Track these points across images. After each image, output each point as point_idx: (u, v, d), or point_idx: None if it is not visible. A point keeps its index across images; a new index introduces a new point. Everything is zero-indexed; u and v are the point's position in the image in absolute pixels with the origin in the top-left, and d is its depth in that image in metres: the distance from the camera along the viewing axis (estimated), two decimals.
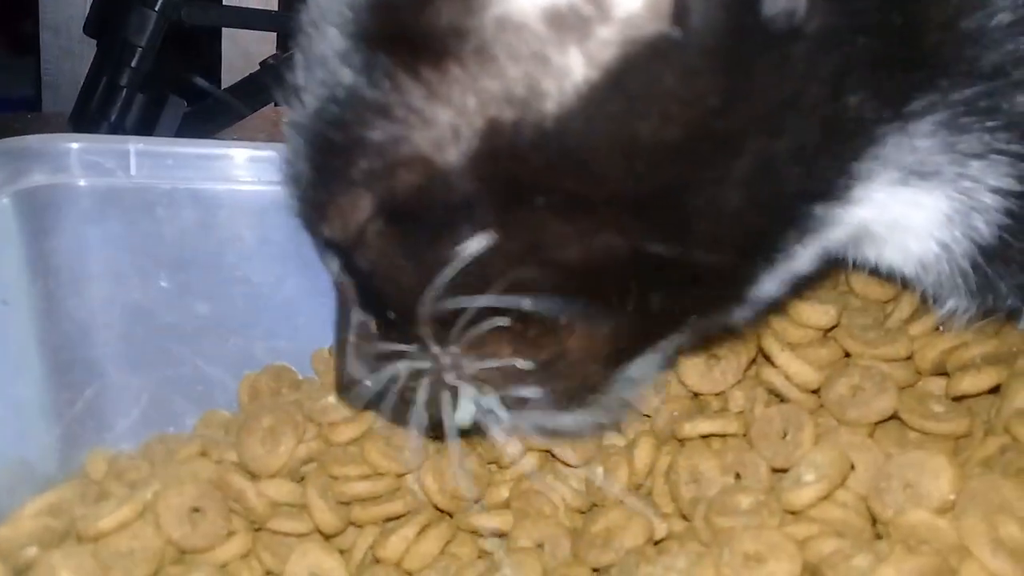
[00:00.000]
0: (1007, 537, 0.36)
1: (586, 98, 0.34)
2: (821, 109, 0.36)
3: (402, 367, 0.40)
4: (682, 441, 0.46)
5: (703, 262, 0.37)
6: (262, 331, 0.57)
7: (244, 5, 1.24)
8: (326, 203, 0.39)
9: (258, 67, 1.14)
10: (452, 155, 0.35)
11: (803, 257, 0.40)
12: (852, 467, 0.42)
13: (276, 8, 1.28)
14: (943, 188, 0.39)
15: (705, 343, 0.46)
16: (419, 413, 0.41)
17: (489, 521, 0.46)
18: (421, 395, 0.40)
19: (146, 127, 1.03)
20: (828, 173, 0.37)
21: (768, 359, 0.47)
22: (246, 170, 0.54)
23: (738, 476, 0.44)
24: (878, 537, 0.40)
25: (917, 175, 0.39)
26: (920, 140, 0.38)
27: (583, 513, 0.46)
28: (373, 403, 0.43)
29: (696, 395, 0.48)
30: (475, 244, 0.35)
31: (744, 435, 0.46)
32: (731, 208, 0.36)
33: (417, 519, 0.45)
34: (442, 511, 0.46)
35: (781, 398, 0.47)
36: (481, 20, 0.34)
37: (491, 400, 0.40)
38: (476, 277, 0.36)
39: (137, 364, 0.56)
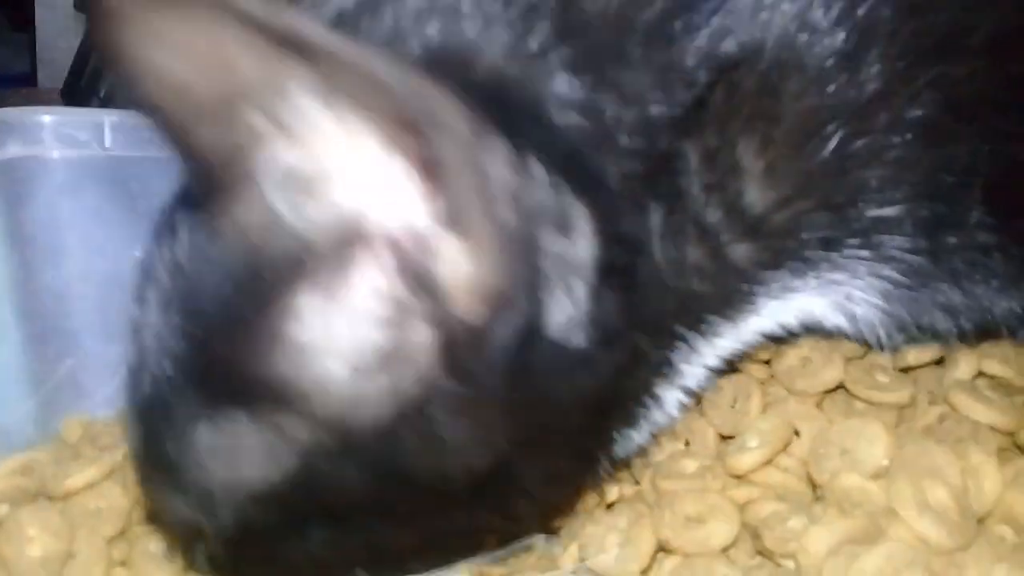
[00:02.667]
0: (934, 501, 0.37)
1: (395, 430, 0.34)
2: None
3: None
4: None
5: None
6: None
7: None
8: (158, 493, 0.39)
9: None
10: (271, 475, 0.35)
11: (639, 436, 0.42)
12: (797, 434, 0.43)
13: None
14: (807, 295, 0.41)
15: None
16: None
17: None
18: None
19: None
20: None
21: None
22: None
23: (687, 443, 0.45)
24: (818, 501, 0.41)
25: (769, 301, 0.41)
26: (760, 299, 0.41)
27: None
28: None
29: None
30: (315, 549, 0.37)
31: (696, 403, 0.47)
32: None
33: None
34: None
35: (734, 368, 0.48)
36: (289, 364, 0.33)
37: None
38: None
39: (114, 334, 0.56)
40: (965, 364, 0.44)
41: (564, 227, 0.34)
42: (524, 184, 0.32)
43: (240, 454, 0.35)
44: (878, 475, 0.39)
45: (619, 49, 0.36)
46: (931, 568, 0.35)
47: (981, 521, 0.38)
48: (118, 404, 0.55)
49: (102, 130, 0.52)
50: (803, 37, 0.37)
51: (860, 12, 0.36)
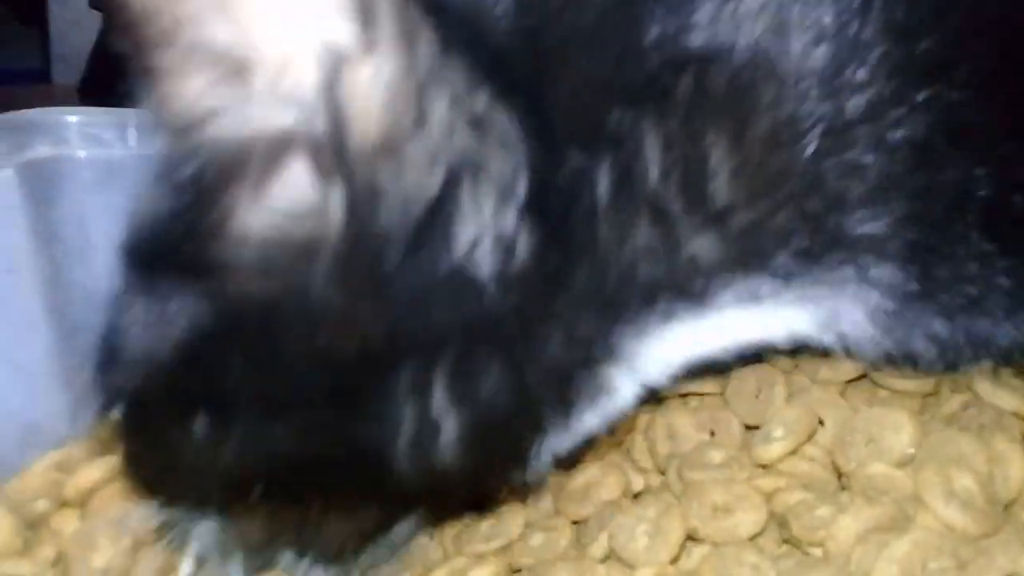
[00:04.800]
0: (960, 489, 0.37)
1: (270, 306, 0.34)
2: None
3: None
4: (661, 399, 0.48)
5: (452, 455, 0.37)
6: None
7: None
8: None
9: None
10: (168, 356, 0.36)
11: (591, 419, 0.40)
12: (821, 423, 0.44)
13: None
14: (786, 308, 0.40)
15: None
16: None
17: None
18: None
19: None
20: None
21: None
22: None
23: (712, 433, 0.46)
24: (843, 490, 0.42)
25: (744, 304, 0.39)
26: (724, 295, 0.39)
27: (565, 469, 0.48)
28: None
29: None
30: (199, 439, 0.37)
31: (720, 394, 0.47)
32: (455, 401, 0.36)
33: None
34: None
35: (758, 359, 0.48)
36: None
37: None
38: (208, 471, 0.38)
39: None
40: None
41: (493, 148, 0.34)
42: (458, 82, 0.33)
43: (140, 323, 0.37)
44: (904, 463, 0.40)
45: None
46: (958, 555, 0.35)
47: (1007, 508, 0.38)
48: None
49: (126, 129, 0.53)
50: (780, 47, 0.36)
51: (850, 32, 0.36)
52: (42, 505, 0.46)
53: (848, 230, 0.37)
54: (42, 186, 0.51)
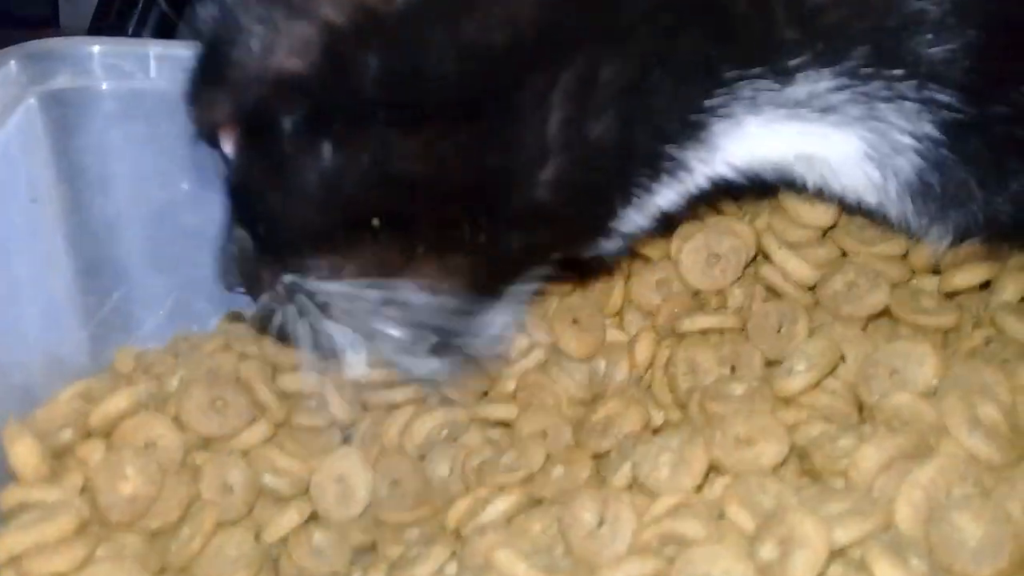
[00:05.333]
0: (984, 416, 0.38)
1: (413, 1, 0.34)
2: (654, 47, 0.37)
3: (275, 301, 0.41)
4: (681, 336, 0.48)
5: (548, 193, 0.37)
6: None
7: None
8: (193, 96, 0.40)
9: None
10: (299, 66, 0.36)
11: (667, 195, 0.41)
12: (843, 358, 0.44)
13: None
14: (850, 127, 0.40)
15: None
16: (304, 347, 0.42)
17: (495, 411, 0.48)
18: (302, 332, 0.41)
19: (165, 38, 1.03)
20: (666, 115, 0.38)
21: (767, 257, 0.49)
22: None
23: (733, 369, 0.46)
24: (864, 423, 0.42)
25: (806, 116, 0.40)
26: (799, 87, 0.39)
27: (585, 405, 0.49)
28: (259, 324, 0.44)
29: (696, 292, 0.50)
30: (325, 159, 0.36)
31: (741, 330, 0.48)
32: (566, 131, 0.37)
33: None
34: None
35: (779, 295, 0.48)
36: None
37: (351, 336, 0.41)
38: (329, 195, 0.37)
39: (162, 265, 0.58)
40: (1012, 286, 0.44)
41: None
42: None
43: (278, 43, 0.36)
44: (927, 394, 0.40)
45: None
46: (982, 482, 0.36)
47: None
48: (166, 335, 0.57)
49: (148, 61, 0.52)
50: None
51: None
52: (68, 434, 0.46)
53: (917, 47, 0.38)
54: (65, 116, 0.51)
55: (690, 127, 0.39)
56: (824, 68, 0.39)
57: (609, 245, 0.42)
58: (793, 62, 0.38)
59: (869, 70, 0.38)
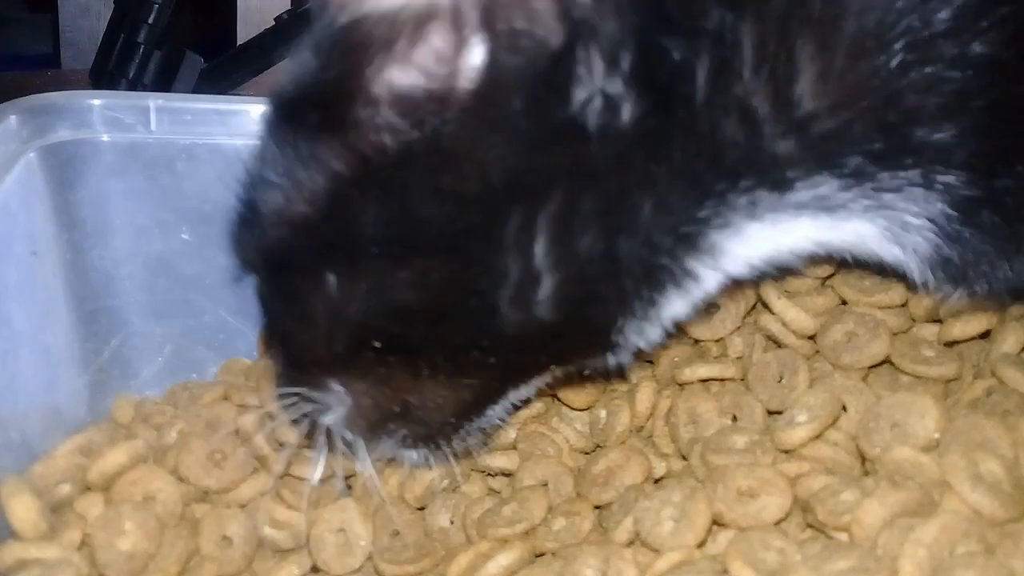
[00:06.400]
0: (986, 472, 0.37)
1: (403, 153, 0.38)
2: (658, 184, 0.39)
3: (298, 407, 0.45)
4: (682, 385, 0.48)
5: (547, 311, 0.40)
6: None
7: None
8: (233, 234, 0.45)
9: (273, 23, 1.15)
10: (309, 211, 0.40)
11: (675, 305, 0.42)
12: (844, 409, 0.44)
13: None
14: (862, 218, 0.41)
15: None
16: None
17: (496, 461, 0.48)
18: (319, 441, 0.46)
19: (164, 83, 1.04)
20: (655, 229, 0.40)
21: (767, 307, 0.48)
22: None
23: (735, 418, 0.46)
24: (867, 474, 0.42)
25: (813, 214, 0.41)
26: (799, 193, 0.40)
27: (586, 454, 0.49)
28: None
29: (697, 341, 0.50)
30: (330, 288, 0.40)
31: (742, 379, 0.48)
32: (554, 252, 0.39)
33: None
34: None
35: (779, 344, 0.48)
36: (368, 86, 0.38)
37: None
38: (335, 321, 0.41)
39: (161, 314, 0.58)
40: (1013, 337, 0.44)
41: (608, 13, 0.37)
42: None
43: (289, 180, 0.40)
44: (929, 448, 0.40)
45: None
46: (985, 539, 0.35)
47: None
48: (163, 384, 0.57)
49: (148, 113, 0.53)
50: None
51: None
52: (66, 489, 0.46)
53: (920, 138, 0.39)
54: (64, 169, 0.52)
55: (686, 238, 0.40)
56: (824, 172, 0.39)
57: (618, 358, 0.44)
58: (791, 173, 0.39)
59: (872, 167, 0.39)
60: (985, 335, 0.46)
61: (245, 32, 1.31)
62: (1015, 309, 0.45)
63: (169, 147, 0.54)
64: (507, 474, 0.48)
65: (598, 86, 0.37)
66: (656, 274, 0.40)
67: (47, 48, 1.53)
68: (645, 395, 0.48)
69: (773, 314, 0.48)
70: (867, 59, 0.38)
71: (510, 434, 0.49)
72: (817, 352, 0.47)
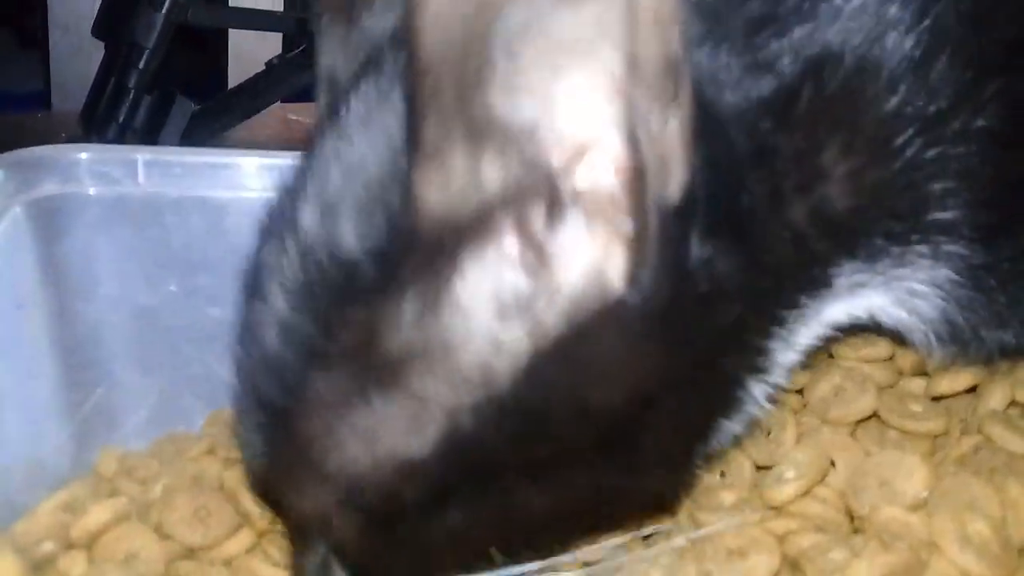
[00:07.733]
0: (974, 534, 0.37)
1: (537, 371, 0.34)
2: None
3: None
4: None
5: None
6: None
7: (250, 6, 1.25)
8: (286, 489, 0.39)
9: (264, 67, 1.15)
10: (418, 448, 0.36)
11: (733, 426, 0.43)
12: (832, 464, 0.44)
13: (281, 10, 1.29)
14: (873, 291, 0.42)
15: None
16: None
17: None
18: None
19: (154, 127, 1.04)
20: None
21: None
22: (254, 178, 0.55)
23: (723, 474, 0.46)
24: (856, 532, 0.42)
25: (834, 302, 0.42)
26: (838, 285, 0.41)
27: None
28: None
29: None
30: (455, 524, 0.37)
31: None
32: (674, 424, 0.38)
33: None
34: None
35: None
36: (434, 325, 0.34)
37: None
38: (463, 552, 0.38)
39: (147, 365, 0.57)
40: (1000, 393, 0.44)
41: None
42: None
43: (386, 428, 0.35)
44: (917, 507, 0.40)
45: (725, 34, 0.38)
46: None
47: (1021, 552, 0.38)
48: (149, 435, 0.56)
49: (136, 167, 0.53)
50: (877, 45, 0.38)
51: (927, 23, 0.38)
52: (49, 547, 0.45)
53: (927, 218, 0.40)
54: (51, 223, 0.52)
55: (753, 369, 0.41)
56: (855, 261, 0.41)
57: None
58: (831, 271, 0.41)
59: (887, 245, 0.41)
60: (972, 390, 0.46)
61: (236, 75, 1.32)
62: (1001, 364, 0.45)
63: (157, 200, 0.53)
64: None
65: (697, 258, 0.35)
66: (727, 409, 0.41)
67: (37, 86, 1.53)
68: None
69: None
70: (883, 152, 0.39)
71: None
72: (805, 406, 0.47)
